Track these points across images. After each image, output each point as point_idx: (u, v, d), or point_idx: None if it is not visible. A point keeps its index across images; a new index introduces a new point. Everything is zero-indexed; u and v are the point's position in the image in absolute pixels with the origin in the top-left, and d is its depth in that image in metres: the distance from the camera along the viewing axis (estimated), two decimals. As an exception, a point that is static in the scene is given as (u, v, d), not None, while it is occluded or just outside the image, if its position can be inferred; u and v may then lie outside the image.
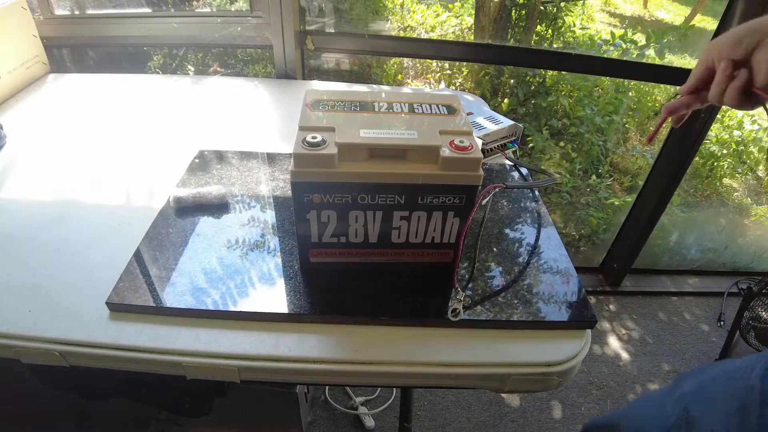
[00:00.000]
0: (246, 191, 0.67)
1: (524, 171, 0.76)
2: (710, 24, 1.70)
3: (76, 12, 1.10)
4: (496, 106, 1.96)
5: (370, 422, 1.18)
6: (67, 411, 0.78)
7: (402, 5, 2.24)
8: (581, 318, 0.52)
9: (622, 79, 1.97)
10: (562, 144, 1.97)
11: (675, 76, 1.20)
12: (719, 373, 0.47)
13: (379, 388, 1.26)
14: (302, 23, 1.04)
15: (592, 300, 1.61)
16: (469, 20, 2.24)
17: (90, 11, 1.11)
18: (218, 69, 1.50)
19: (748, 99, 0.45)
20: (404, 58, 2.25)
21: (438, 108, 0.54)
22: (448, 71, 2.18)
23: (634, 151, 2.00)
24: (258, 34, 1.03)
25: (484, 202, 0.63)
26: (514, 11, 2.05)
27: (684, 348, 1.48)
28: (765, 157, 2.00)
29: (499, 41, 2.06)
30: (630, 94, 2.01)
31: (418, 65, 2.24)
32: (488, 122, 0.79)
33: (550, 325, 0.51)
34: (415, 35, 2.25)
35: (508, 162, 0.78)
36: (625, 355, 1.44)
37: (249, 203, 0.65)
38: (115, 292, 0.51)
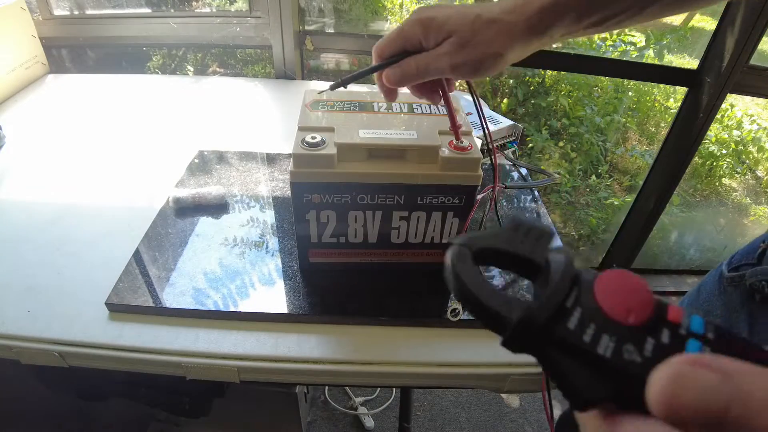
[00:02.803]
0: (245, 191, 0.67)
1: (524, 171, 0.76)
2: (710, 24, 1.70)
3: (75, 12, 1.09)
4: (495, 106, 1.96)
5: (369, 422, 1.18)
6: (67, 411, 0.78)
7: (401, 5, 2.24)
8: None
9: (621, 79, 1.97)
10: (561, 144, 1.97)
11: (675, 76, 1.20)
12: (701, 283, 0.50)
13: (379, 389, 1.26)
14: (301, 23, 1.04)
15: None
16: (469, 20, 2.24)
17: (89, 11, 1.11)
18: (217, 69, 1.49)
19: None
20: (404, 58, 2.24)
21: (437, 108, 0.54)
22: (448, 71, 2.17)
23: (633, 151, 2.00)
24: (257, 34, 1.02)
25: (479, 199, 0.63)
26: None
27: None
28: (766, 157, 2.00)
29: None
30: (630, 94, 2.01)
31: (417, 65, 2.23)
32: (488, 122, 0.79)
33: (550, 325, 0.51)
34: (414, 35, 2.25)
35: (507, 162, 0.78)
36: (624, 355, 1.44)
37: (248, 203, 0.65)
38: (114, 292, 0.51)
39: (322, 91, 0.51)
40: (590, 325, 0.15)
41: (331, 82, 0.47)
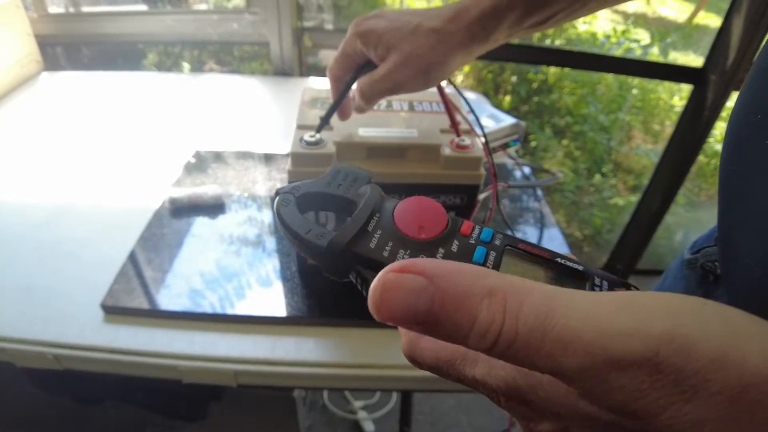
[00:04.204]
0: (242, 191, 0.66)
1: (527, 170, 0.75)
2: (714, 21, 1.69)
3: (70, 9, 1.08)
4: (497, 104, 1.94)
5: (369, 427, 1.17)
6: (61, 415, 0.77)
7: (401, 2, 2.23)
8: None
9: (625, 77, 1.95)
10: (565, 142, 1.95)
11: (680, 74, 1.19)
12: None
13: (379, 392, 1.25)
14: (299, 20, 1.03)
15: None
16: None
17: (84, 8, 1.10)
18: (214, 66, 1.48)
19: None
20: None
21: (438, 106, 0.53)
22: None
23: (638, 149, 1.98)
24: (254, 30, 1.01)
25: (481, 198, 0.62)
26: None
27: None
28: None
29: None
30: (634, 92, 1.99)
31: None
32: (490, 120, 0.78)
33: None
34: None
35: (509, 160, 0.77)
36: (628, 356, 1.43)
37: (245, 204, 0.64)
38: (109, 294, 0.50)
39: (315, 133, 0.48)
40: (389, 243, 0.18)
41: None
